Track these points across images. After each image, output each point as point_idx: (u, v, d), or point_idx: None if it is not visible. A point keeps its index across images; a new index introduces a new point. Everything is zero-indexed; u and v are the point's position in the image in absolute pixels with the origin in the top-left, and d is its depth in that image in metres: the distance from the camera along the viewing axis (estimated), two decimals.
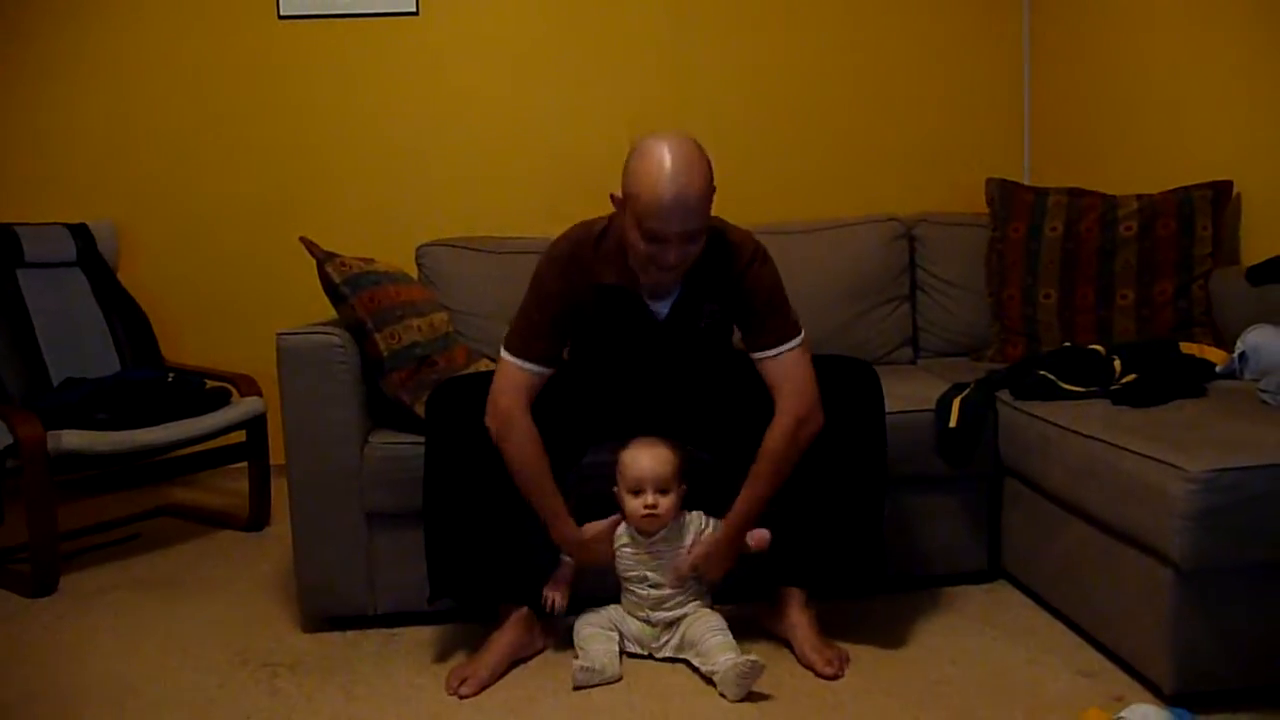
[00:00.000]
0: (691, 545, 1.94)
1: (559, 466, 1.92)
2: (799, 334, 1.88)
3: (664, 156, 1.69)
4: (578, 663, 1.85)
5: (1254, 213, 2.53)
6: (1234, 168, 2.53)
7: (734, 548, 1.93)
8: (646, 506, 1.90)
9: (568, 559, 2.00)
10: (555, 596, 1.98)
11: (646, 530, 1.94)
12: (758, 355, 1.88)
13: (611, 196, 1.81)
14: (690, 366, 2.00)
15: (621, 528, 1.98)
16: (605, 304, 1.88)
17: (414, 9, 3.31)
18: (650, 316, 1.89)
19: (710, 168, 1.74)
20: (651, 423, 2.01)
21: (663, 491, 1.91)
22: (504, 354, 1.87)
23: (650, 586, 1.95)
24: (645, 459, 1.92)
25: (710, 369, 2.01)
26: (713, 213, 1.82)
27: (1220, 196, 2.52)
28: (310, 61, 3.32)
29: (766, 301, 1.88)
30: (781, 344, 1.86)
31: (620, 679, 1.87)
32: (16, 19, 3.25)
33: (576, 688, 1.84)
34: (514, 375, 1.85)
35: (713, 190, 1.75)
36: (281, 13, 3.29)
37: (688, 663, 1.91)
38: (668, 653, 1.94)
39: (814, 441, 1.86)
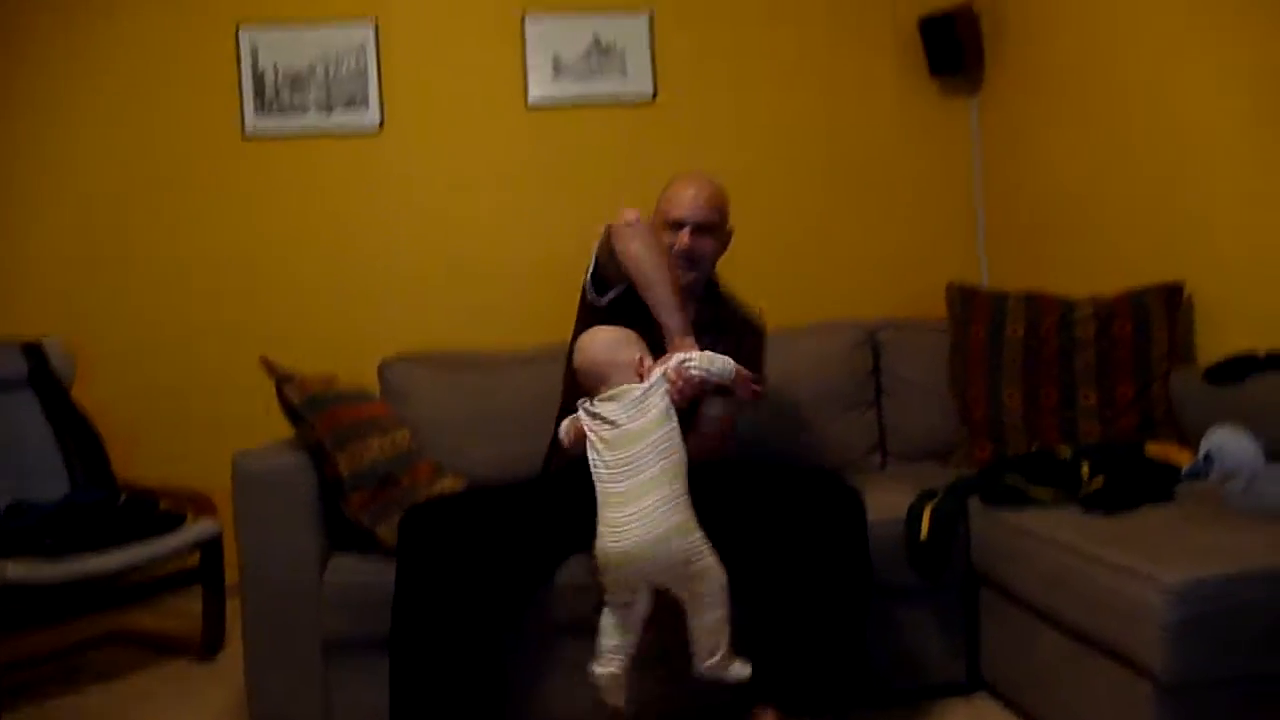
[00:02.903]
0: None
1: (530, 583, 1.86)
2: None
3: (687, 173, 2.23)
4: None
5: (1206, 314, 2.58)
6: (1184, 269, 2.58)
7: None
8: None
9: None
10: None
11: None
12: None
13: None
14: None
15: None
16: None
17: (378, 126, 3.36)
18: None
19: (725, 194, 2.23)
20: None
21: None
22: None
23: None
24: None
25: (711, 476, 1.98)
26: None
27: (1172, 298, 2.56)
28: (273, 179, 3.34)
29: (753, 350, 2.17)
30: None
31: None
32: None
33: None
34: None
35: (725, 205, 2.22)
36: (246, 132, 3.32)
37: None
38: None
39: (796, 562, 1.84)
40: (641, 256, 1.95)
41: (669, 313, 1.91)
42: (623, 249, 1.98)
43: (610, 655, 1.79)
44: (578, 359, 1.88)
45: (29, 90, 3.27)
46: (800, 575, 1.84)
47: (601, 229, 2.09)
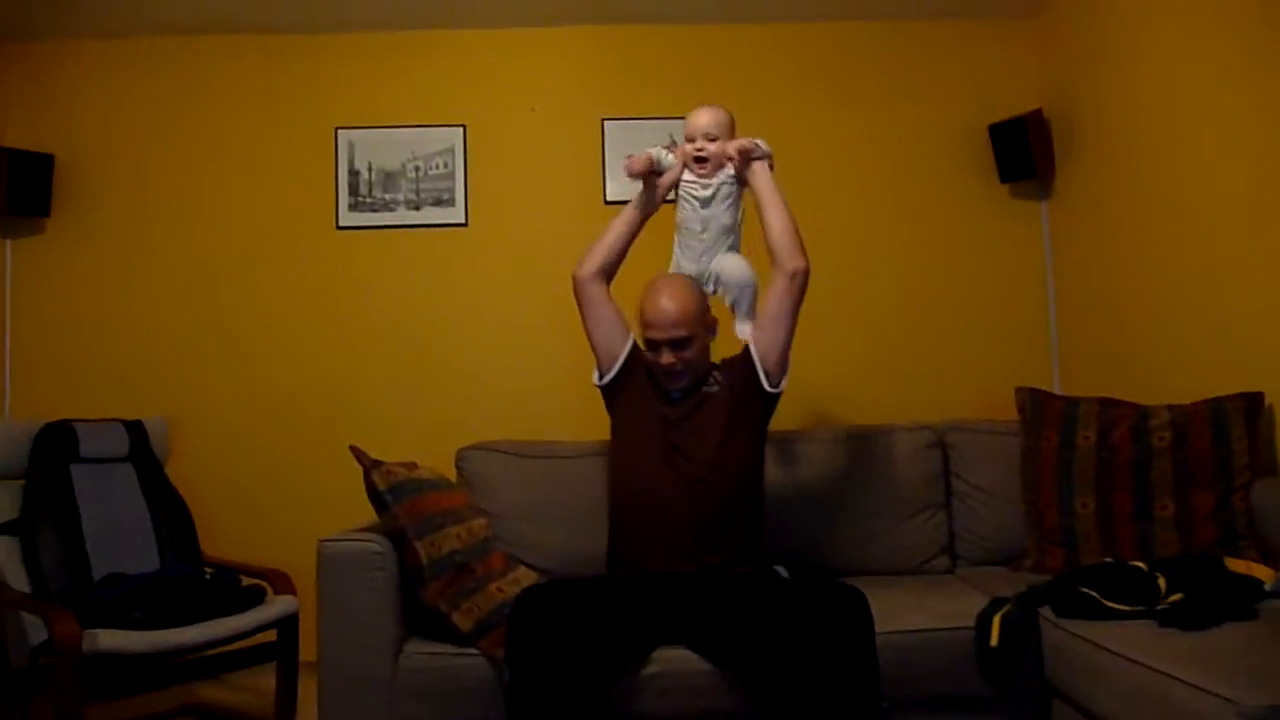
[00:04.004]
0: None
1: (605, 682, 1.92)
2: None
3: (657, 284, 2.30)
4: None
5: None
6: (1266, 379, 2.54)
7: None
8: (697, 152, 2.37)
9: None
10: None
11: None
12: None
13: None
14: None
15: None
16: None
17: (463, 221, 3.52)
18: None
19: (692, 298, 2.27)
20: (688, 636, 2.01)
21: (712, 139, 2.37)
22: None
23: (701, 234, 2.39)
24: (702, 114, 2.40)
25: (752, 594, 2.02)
26: None
27: (1253, 408, 2.53)
28: (364, 269, 3.52)
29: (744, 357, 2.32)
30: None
31: None
32: (87, 221, 3.49)
33: None
34: None
35: (693, 309, 2.26)
36: (340, 224, 3.51)
37: None
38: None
39: (807, 673, 1.84)
40: (601, 238, 2.42)
41: (645, 204, 2.44)
42: (594, 254, 2.41)
43: None
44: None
45: (140, 179, 3.52)
46: (812, 685, 1.84)
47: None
